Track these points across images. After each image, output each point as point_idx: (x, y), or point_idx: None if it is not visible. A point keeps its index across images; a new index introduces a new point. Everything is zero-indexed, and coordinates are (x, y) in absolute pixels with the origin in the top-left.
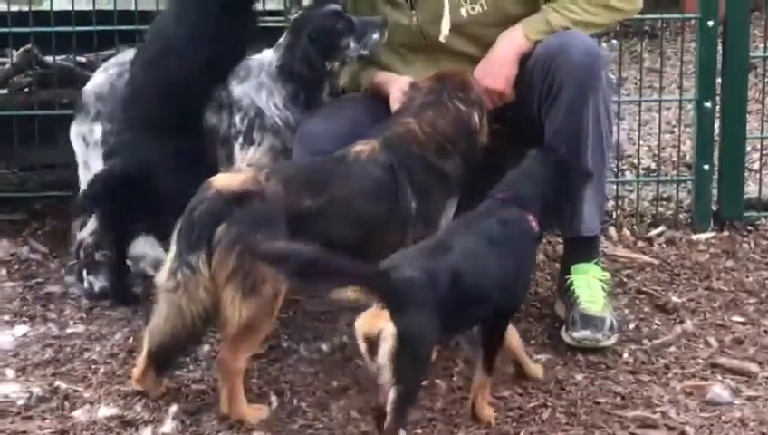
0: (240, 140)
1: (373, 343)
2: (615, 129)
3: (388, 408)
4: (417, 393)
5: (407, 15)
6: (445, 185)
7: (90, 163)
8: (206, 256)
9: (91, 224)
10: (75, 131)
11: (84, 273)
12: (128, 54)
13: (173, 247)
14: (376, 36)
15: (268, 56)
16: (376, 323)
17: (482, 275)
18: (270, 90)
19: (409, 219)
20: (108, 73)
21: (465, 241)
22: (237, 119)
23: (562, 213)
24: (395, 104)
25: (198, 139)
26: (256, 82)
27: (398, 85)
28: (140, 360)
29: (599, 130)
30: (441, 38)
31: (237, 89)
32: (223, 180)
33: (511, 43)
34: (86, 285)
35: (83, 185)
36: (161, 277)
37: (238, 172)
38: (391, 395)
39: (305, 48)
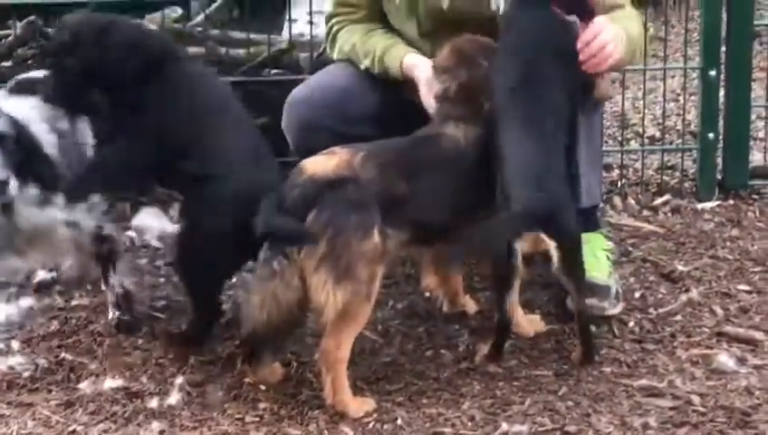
0: None
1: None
2: (619, 98)
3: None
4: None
5: None
6: None
7: None
8: None
9: None
10: None
11: None
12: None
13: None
14: None
15: None
16: (537, 242)
17: None
18: None
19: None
20: None
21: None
22: None
23: None
24: (427, 87)
25: None
26: None
27: (420, 67)
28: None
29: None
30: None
31: None
32: (316, 165)
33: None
34: None
35: None
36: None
37: (332, 154)
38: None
39: None
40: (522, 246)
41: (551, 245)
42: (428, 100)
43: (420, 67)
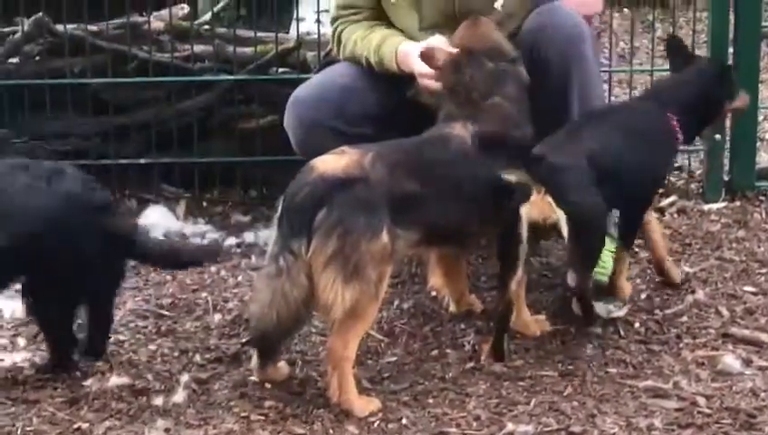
0: None
1: (541, 229)
2: (627, 98)
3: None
4: (598, 257)
5: None
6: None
7: None
8: (308, 241)
9: None
10: None
11: None
12: None
13: (275, 232)
14: None
15: None
16: (546, 211)
17: (614, 159)
18: None
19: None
20: None
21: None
22: None
23: (707, 121)
24: (418, 66)
25: None
26: None
27: (415, 53)
28: (254, 354)
29: (587, 99)
30: (497, 5)
31: None
32: (326, 164)
33: None
34: None
35: None
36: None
37: (342, 153)
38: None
39: None
40: (528, 212)
41: (560, 215)
42: (425, 84)
43: (414, 55)
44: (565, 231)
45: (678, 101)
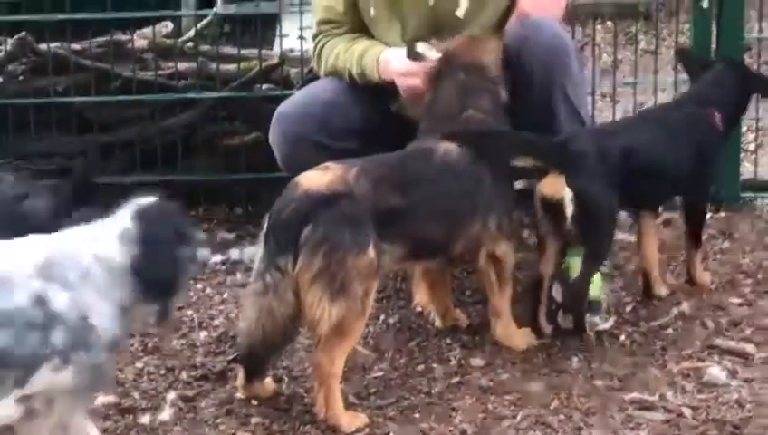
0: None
1: (550, 206)
2: (610, 112)
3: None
4: (604, 252)
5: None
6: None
7: None
8: (294, 258)
9: None
10: None
11: None
12: None
13: (261, 249)
14: None
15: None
16: (557, 188)
17: (654, 156)
18: None
19: (489, 207)
20: None
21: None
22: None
23: (742, 112)
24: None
25: None
26: None
27: (400, 60)
28: (240, 371)
29: (571, 109)
30: (459, 13)
31: None
32: (311, 180)
33: None
34: None
35: None
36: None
37: (327, 169)
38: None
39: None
40: (541, 189)
41: (567, 194)
42: (404, 83)
43: (394, 62)
44: (569, 211)
45: (718, 99)
